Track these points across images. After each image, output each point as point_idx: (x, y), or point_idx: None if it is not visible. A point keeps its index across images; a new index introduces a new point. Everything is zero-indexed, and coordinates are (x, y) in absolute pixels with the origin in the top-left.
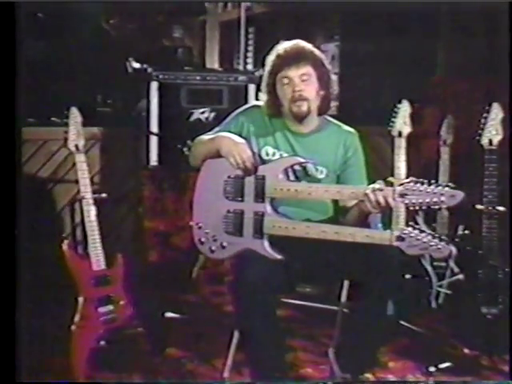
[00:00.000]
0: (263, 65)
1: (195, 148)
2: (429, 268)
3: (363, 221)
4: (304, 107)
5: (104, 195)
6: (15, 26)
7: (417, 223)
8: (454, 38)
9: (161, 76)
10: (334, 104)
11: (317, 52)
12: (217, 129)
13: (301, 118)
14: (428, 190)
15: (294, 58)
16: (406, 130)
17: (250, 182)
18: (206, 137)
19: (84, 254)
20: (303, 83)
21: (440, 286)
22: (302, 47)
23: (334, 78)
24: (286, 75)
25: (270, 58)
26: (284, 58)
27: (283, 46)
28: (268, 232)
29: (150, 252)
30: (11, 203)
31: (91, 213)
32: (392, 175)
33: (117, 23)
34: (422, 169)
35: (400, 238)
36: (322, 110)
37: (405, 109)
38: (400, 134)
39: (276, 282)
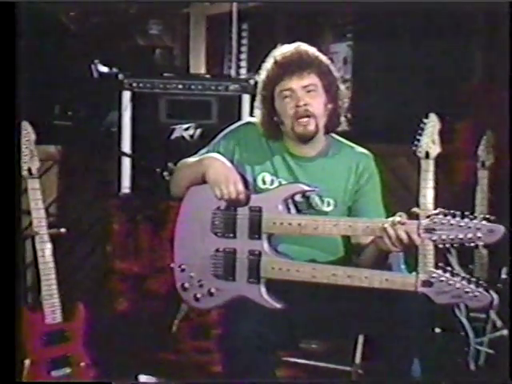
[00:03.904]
0: (259, 73)
1: (178, 173)
2: (464, 320)
3: (382, 262)
4: (311, 126)
5: (63, 230)
6: (15, 26)
7: (449, 265)
8: (493, 37)
9: (134, 84)
10: (342, 119)
11: (322, 57)
12: (203, 151)
13: (307, 140)
14: (461, 224)
15: (296, 66)
16: (435, 149)
17: (243, 214)
18: (190, 159)
19: (35, 303)
20: (308, 96)
21: (480, 344)
22: (306, 51)
23: (344, 87)
24: (287, 87)
25: (266, 66)
26: (283, 66)
27: (282, 51)
28: (266, 276)
29: (119, 300)
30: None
31: (46, 252)
32: (417, 205)
33: (79, 16)
34: (455, 197)
35: (427, 283)
36: (330, 128)
37: (433, 124)
38: (427, 155)
39: (275, 337)
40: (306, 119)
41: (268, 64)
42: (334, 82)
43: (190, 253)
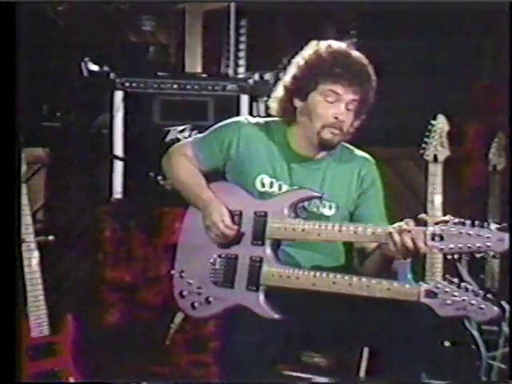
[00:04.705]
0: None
1: (175, 163)
2: (475, 333)
3: (387, 269)
4: (336, 138)
5: (51, 237)
6: (15, 26)
7: (459, 275)
8: (503, 35)
9: (127, 83)
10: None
11: (373, 76)
12: (197, 138)
13: (325, 148)
14: (470, 232)
15: (357, 77)
16: (443, 153)
17: (248, 219)
18: (195, 178)
19: (21, 315)
20: (347, 113)
21: (492, 359)
22: (366, 66)
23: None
24: (337, 91)
25: (320, 50)
26: (344, 67)
27: (351, 52)
28: (265, 283)
29: (110, 311)
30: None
31: (33, 260)
32: (425, 211)
33: (68, 11)
34: (464, 203)
35: (430, 294)
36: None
37: (441, 126)
38: (435, 159)
39: (274, 350)
40: (336, 130)
41: (323, 50)
42: (369, 102)
43: (192, 259)
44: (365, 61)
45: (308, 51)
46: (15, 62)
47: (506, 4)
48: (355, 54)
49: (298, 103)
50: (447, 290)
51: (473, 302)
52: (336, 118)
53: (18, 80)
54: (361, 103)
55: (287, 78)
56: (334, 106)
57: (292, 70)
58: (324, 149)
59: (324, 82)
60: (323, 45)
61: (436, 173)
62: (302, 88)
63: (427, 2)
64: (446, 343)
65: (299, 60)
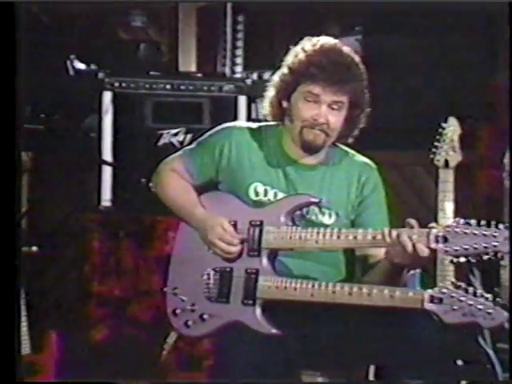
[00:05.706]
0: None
1: (165, 181)
2: (490, 352)
3: (395, 280)
4: (320, 140)
5: (34, 248)
6: (15, 26)
7: (470, 284)
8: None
9: (116, 83)
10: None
11: (364, 73)
12: (186, 151)
13: (309, 149)
14: (475, 232)
15: (336, 79)
16: (455, 158)
17: (243, 229)
18: (186, 195)
19: None
20: (331, 113)
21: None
22: (350, 64)
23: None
24: (314, 92)
25: (299, 54)
26: (321, 69)
27: (330, 50)
28: (262, 295)
29: (98, 327)
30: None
31: None
32: (435, 220)
33: (52, 6)
34: (477, 211)
35: (435, 300)
36: (338, 140)
37: (452, 129)
38: (446, 164)
39: (273, 368)
40: (318, 132)
41: (301, 55)
42: (362, 102)
43: (186, 274)
44: (348, 59)
45: (295, 49)
46: (15, 62)
47: (506, 4)
48: (336, 51)
49: (285, 105)
50: (453, 294)
51: (480, 306)
52: (314, 118)
53: (17, 80)
54: (351, 104)
55: (276, 78)
56: (314, 107)
57: (281, 70)
58: (308, 151)
59: (302, 83)
60: (303, 43)
61: (447, 179)
62: (286, 89)
63: (428, 2)
64: (460, 362)
65: (288, 59)
